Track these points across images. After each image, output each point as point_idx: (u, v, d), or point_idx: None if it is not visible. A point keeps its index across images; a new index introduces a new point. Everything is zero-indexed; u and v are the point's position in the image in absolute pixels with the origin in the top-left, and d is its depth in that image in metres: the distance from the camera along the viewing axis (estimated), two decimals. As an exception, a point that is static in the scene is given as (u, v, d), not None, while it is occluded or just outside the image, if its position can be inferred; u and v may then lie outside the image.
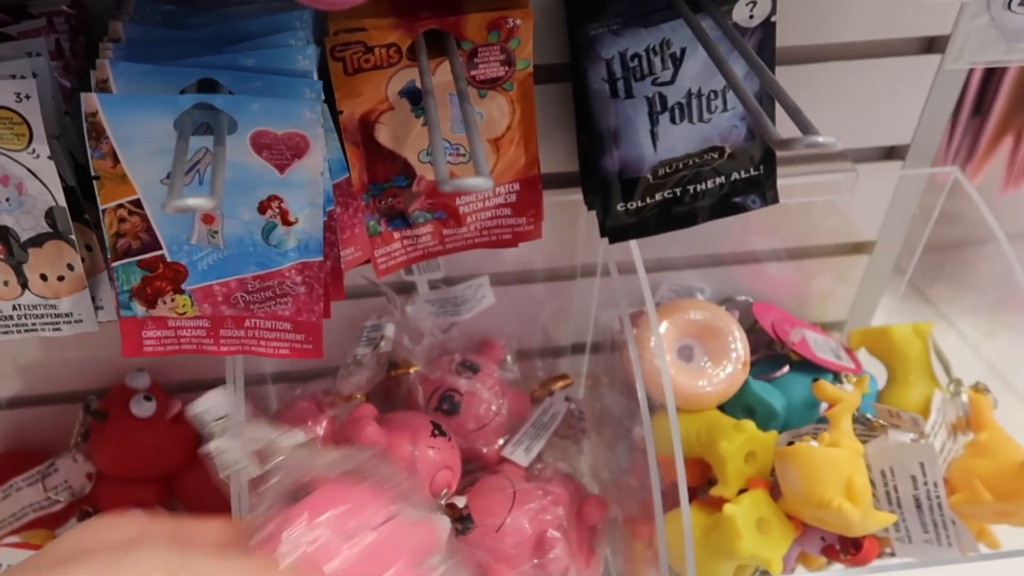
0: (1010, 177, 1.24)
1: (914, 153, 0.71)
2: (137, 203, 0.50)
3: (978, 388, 0.70)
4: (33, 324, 0.54)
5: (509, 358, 0.77)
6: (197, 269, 0.53)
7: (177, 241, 0.52)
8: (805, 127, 0.40)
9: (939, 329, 0.85)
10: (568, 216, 0.72)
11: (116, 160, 0.48)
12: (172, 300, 0.53)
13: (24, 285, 0.53)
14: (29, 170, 0.48)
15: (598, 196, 0.63)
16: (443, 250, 0.64)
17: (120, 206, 0.50)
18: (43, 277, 0.52)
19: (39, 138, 0.47)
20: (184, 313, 0.54)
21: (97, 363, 0.74)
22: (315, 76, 0.49)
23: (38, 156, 0.47)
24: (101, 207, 0.50)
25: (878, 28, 0.64)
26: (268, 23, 0.52)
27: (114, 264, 0.52)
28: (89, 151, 0.48)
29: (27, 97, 0.46)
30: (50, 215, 0.50)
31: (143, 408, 0.71)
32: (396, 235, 0.62)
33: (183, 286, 0.53)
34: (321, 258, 0.53)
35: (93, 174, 0.49)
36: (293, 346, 0.56)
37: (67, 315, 0.54)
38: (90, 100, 0.46)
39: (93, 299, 0.54)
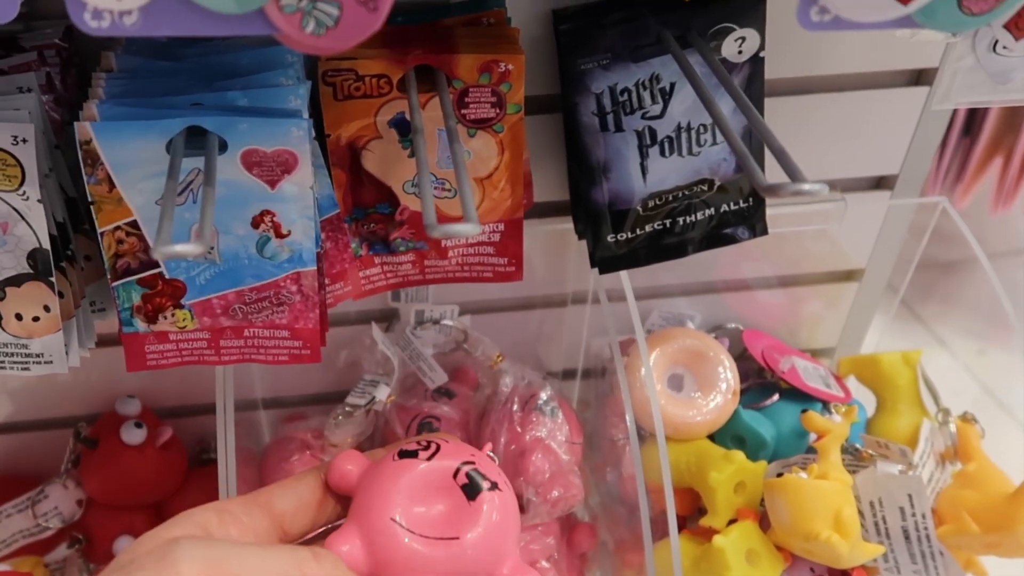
0: (1000, 198, 1.24)
1: (902, 183, 0.72)
2: (134, 224, 0.51)
3: (966, 418, 0.71)
4: (2, 362, 0.54)
5: (483, 382, 0.77)
6: (195, 284, 0.54)
7: (174, 258, 0.52)
8: (792, 172, 0.41)
9: (931, 349, 0.85)
10: (560, 244, 0.72)
11: (112, 185, 0.49)
12: (172, 315, 0.54)
13: (-3, 323, 0.53)
14: (17, 211, 0.48)
15: (588, 227, 0.63)
16: (423, 280, 0.64)
17: (118, 228, 0.51)
18: (18, 316, 0.52)
19: (31, 181, 0.47)
20: (184, 327, 0.55)
21: (88, 389, 0.74)
22: (306, 114, 0.49)
23: (27, 198, 0.47)
24: (99, 230, 0.50)
25: (867, 61, 0.64)
26: (260, 56, 0.52)
27: (114, 284, 0.53)
28: (85, 177, 0.49)
29: (24, 141, 0.47)
30: (32, 256, 0.50)
31: (133, 435, 0.71)
32: (376, 260, 0.62)
33: (182, 301, 0.54)
34: (315, 267, 0.54)
35: (90, 199, 0.49)
36: (292, 352, 0.57)
37: (38, 356, 0.54)
38: (83, 129, 0.47)
39: (66, 339, 0.54)
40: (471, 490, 0.43)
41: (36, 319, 0.53)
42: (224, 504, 0.42)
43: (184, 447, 0.77)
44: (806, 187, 0.39)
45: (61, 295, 0.52)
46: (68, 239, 0.54)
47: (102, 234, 0.51)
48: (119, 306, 0.54)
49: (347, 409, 0.71)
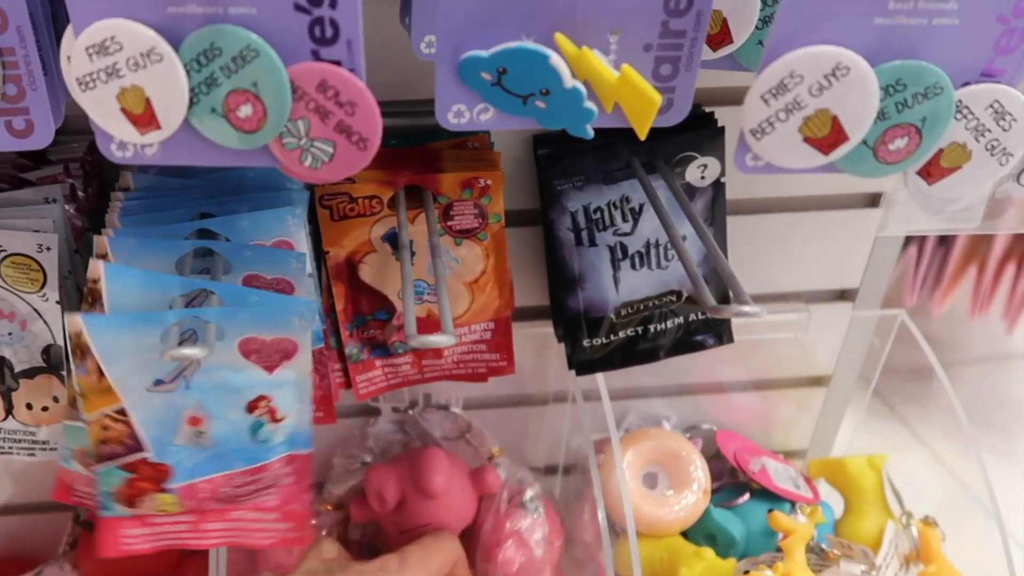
0: (976, 304, 1.29)
1: (863, 295, 0.76)
2: (121, 411, 0.51)
3: (927, 521, 0.74)
4: (10, 448, 0.57)
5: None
6: (183, 468, 0.53)
7: (162, 443, 0.53)
8: (737, 294, 0.45)
9: (912, 450, 0.88)
10: (541, 345, 0.77)
11: (101, 375, 0.50)
12: (154, 499, 0.54)
13: (9, 411, 0.56)
14: (36, 311, 0.52)
15: (567, 332, 0.68)
16: (422, 379, 0.68)
17: (104, 415, 0.51)
18: (28, 406, 0.55)
19: (51, 284, 0.51)
20: (165, 510, 0.55)
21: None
22: (306, 235, 0.53)
23: (47, 299, 0.52)
24: (85, 417, 0.51)
25: (824, 185, 0.69)
26: (264, 172, 0.56)
27: (96, 468, 0.53)
28: (74, 368, 0.49)
29: (48, 248, 0.51)
30: (47, 351, 0.54)
31: (130, 520, 0.74)
32: (377, 363, 0.66)
33: (167, 485, 0.54)
34: (309, 450, 0.54)
35: (77, 391, 0.50)
36: (279, 535, 0.56)
37: (44, 443, 0.56)
38: (74, 321, 0.48)
39: None
40: None
41: (45, 409, 0.56)
42: None
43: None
44: (746, 309, 0.44)
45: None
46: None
47: (88, 422, 0.51)
48: (98, 490, 0.53)
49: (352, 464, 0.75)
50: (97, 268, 0.48)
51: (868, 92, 0.38)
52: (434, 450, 0.70)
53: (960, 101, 0.40)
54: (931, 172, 0.42)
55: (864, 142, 0.40)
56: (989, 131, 0.41)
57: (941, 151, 0.41)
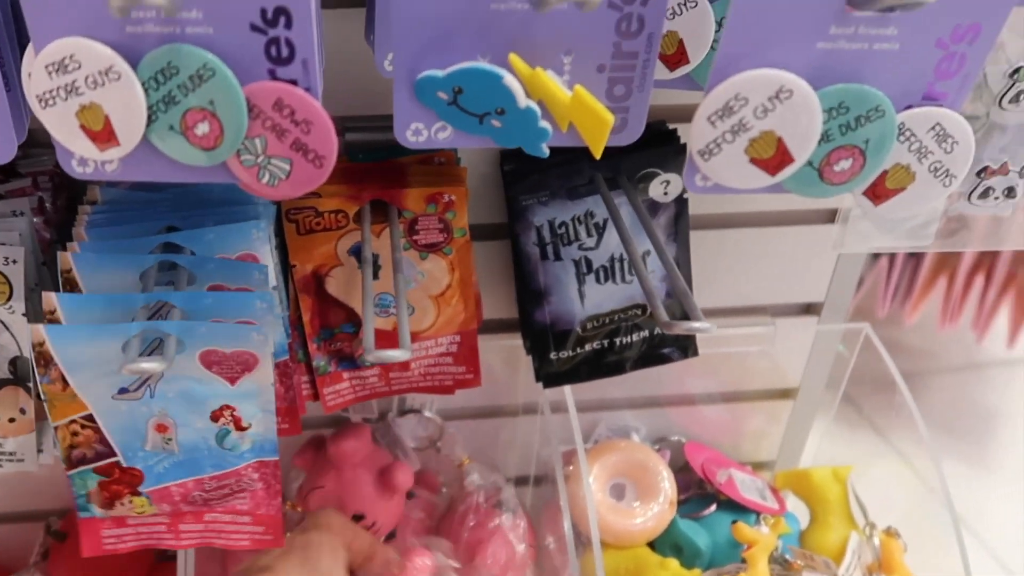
0: (946, 315, 1.31)
1: (828, 309, 0.78)
2: (89, 418, 0.52)
3: (890, 532, 0.75)
4: None
5: (445, 491, 0.80)
6: (153, 473, 0.55)
7: (131, 448, 0.54)
8: (690, 310, 0.46)
9: (879, 460, 0.89)
10: (511, 358, 0.77)
11: (65, 383, 0.50)
12: (130, 502, 0.55)
13: (-25, 423, 0.56)
14: (2, 323, 0.53)
15: (534, 344, 0.69)
16: (390, 391, 0.69)
17: (72, 421, 0.52)
18: (-5, 418, 0.56)
19: (18, 296, 0.52)
20: (143, 512, 0.56)
21: (58, 485, 0.77)
22: (271, 248, 0.54)
23: (13, 311, 0.52)
24: (53, 424, 0.52)
25: (787, 201, 0.70)
26: (230, 187, 0.57)
27: (70, 472, 0.54)
28: (39, 377, 0.50)
29: (14, 261, 0.51)
30: (13, 363, 0.54)
31: (100, 530, 0.74)
32: (345, 375, 0.67)
33: (140, 488, 0.55)
34: (276, 457, 0.55)
35: (43, 398, 0.51)
36: (253, 537, 0.58)
37: (11, 454, 0.57)
38: (36, 331, 0.49)
39: (39, 440, 0.57)
40: None
41: (12, 420, 0.57)
42: None
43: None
44: (696, 325, 0.44)
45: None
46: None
47: (56, 428, 0.52)
48: (75, 492, 0.55)
49: None
50: (39, 332, 0.48)
51: (811, 114, 0.39)
52: (363, 427, 0.72)
53: (903, 124, 0.41)
54: (877, 193, 0.43)
55: (810, 163, 0.41)
56: (932, 153, 0.42)
57: (886, 173, 0.42)
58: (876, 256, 1.25)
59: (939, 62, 0.40)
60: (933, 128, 0.41)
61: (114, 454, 0.53)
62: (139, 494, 0.55)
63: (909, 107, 0.41)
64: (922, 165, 0.42)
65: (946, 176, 0.42)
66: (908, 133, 0.41)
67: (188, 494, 0.56)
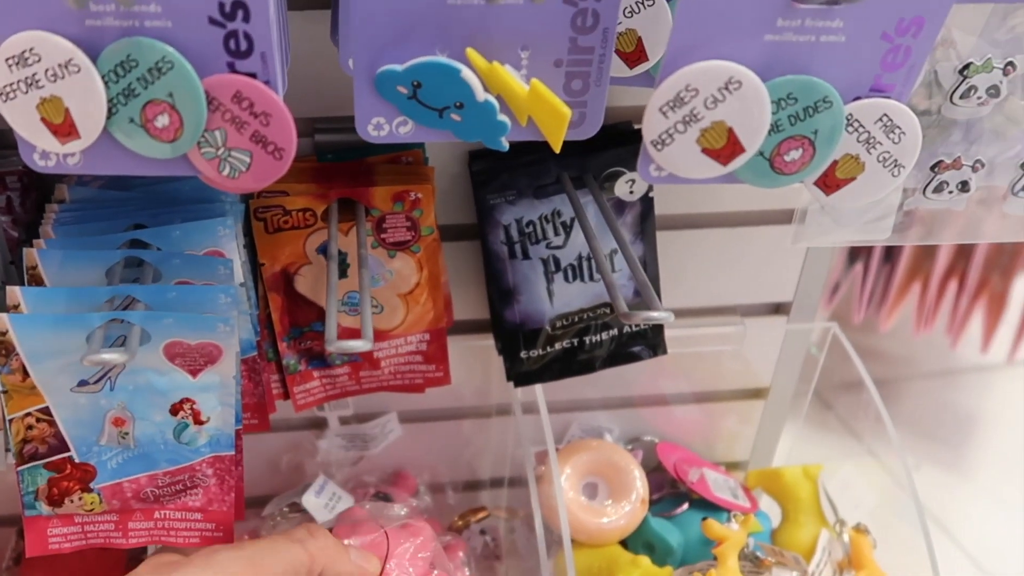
0: (921, 320, 1.32)
1: (797, 309, 0.78)
2: (45, 411, 0.52)
3: (859, 529, 0.75)
4: None
5: (422, 489, 0.81)
6: (106, 468, 0.54)
7: (86, 443, 0.53)
8: (649, 301, 0.47)
9: (850, 459, 0.90)
10: (483, 358, 0.78)
11: (25, 374, 0.50)
12: (80, 499, 0.55)
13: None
14: (-31, 326, 0.53)
15: (505, 344, 0.69)
16: (360, 390, 0.69)
17: (28, 415, 0.52)
18: (-42, 415, 0.55)
19: (-16, 298, 0.52)
20: (92, 509, 0.55)
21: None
22: (238, 246, 0.54)
23: (-20, 314, 0.52)
24: (8, 417, 0.51)
25: (752, 200, 0.71)
26: (199, 185, 0.57)
27: (19, 468, 0.53)
28: None
29: (-19, 260, 0.52)
30: (-22, 367, 0.54)
31: (72, 534, 0.74)
32: (315, 374, 0.67)
33: (91, 485, 0.54)
34: (233, 452, 0.55)
35: (1, 388, 0.51)
36: (204, 535, 0.57)
37: None
38: (0, 321, 0.49)
39: (5, 441, 0.57)
40: None
41: (-24, 417, 0.56)
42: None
43: (122, 546, 0.80)
44: (655, 315, 0.45)
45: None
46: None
47: (11, 420, 0.52)
48: (22, 490, 0.54)
49: (284, 509, 0.75)
50: (3, 321, 0.48)
51: (760, 105, 0.40)
52: None
53: (851, 115, 0.42)
54: (828, 183, 0.44)
55: (761, 153, 0.42)
56: (880, 143, 0.43)
57: (836, 163, 0.43)
58: (851, 262, 1.27)
59: (885, 54, 0.41)
60: (880, 119, 0.42)
61: (67, 449, 0.53)
62: (90, 490, 0.54)
63: (857, 99, 0.42)
64: (871, 155, 0.43)
65: (895, 166, 0.43)
66: (856, 124, 0.42)
67: (140, 490, 0.55)
